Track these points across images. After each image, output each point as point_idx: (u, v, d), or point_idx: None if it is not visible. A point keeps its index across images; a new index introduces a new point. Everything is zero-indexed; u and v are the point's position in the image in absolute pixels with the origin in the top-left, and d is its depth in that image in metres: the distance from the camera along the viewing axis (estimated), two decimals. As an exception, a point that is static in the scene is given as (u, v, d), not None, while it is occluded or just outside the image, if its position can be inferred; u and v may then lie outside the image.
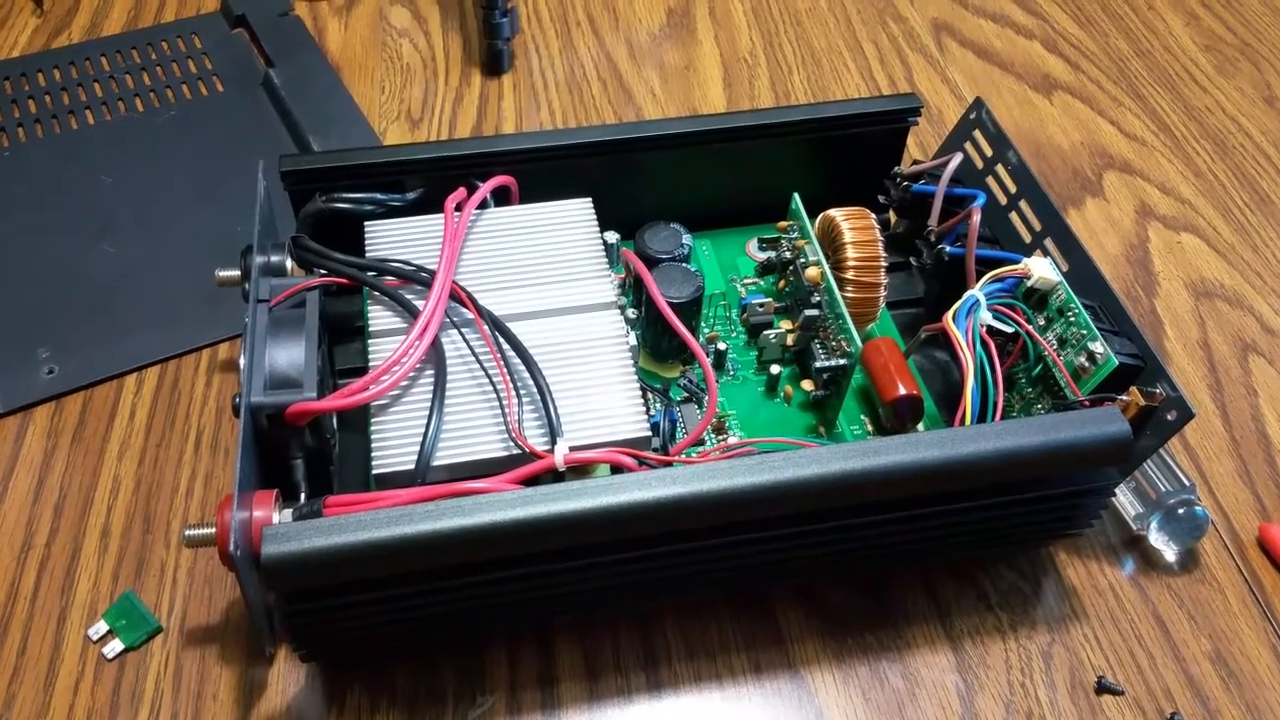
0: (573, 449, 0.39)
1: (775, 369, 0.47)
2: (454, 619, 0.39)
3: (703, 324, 0.50)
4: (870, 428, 0.47)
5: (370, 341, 0.42)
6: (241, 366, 0.39)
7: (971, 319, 0.42)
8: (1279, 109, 0.67)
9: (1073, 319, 0.42)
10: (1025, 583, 0.44)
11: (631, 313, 0.46)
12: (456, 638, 0.41)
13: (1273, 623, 0.43)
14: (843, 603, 0.43)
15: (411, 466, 0.38)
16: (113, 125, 0.63)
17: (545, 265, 0.46)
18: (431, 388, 0.40)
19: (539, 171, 0.49)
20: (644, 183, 0.51)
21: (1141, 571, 0.45)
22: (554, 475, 0.38)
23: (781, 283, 0.50)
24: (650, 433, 0.41)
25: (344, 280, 0.44)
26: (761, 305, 0.49)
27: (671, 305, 0.44)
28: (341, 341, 0.48)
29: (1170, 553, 0.45)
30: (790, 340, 0.48)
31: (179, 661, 0.41)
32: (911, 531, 0.39)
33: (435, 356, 0.41)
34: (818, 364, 0.45)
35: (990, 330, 0.43)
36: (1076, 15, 0.74)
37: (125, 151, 0.61)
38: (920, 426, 0.46)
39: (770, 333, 0.48)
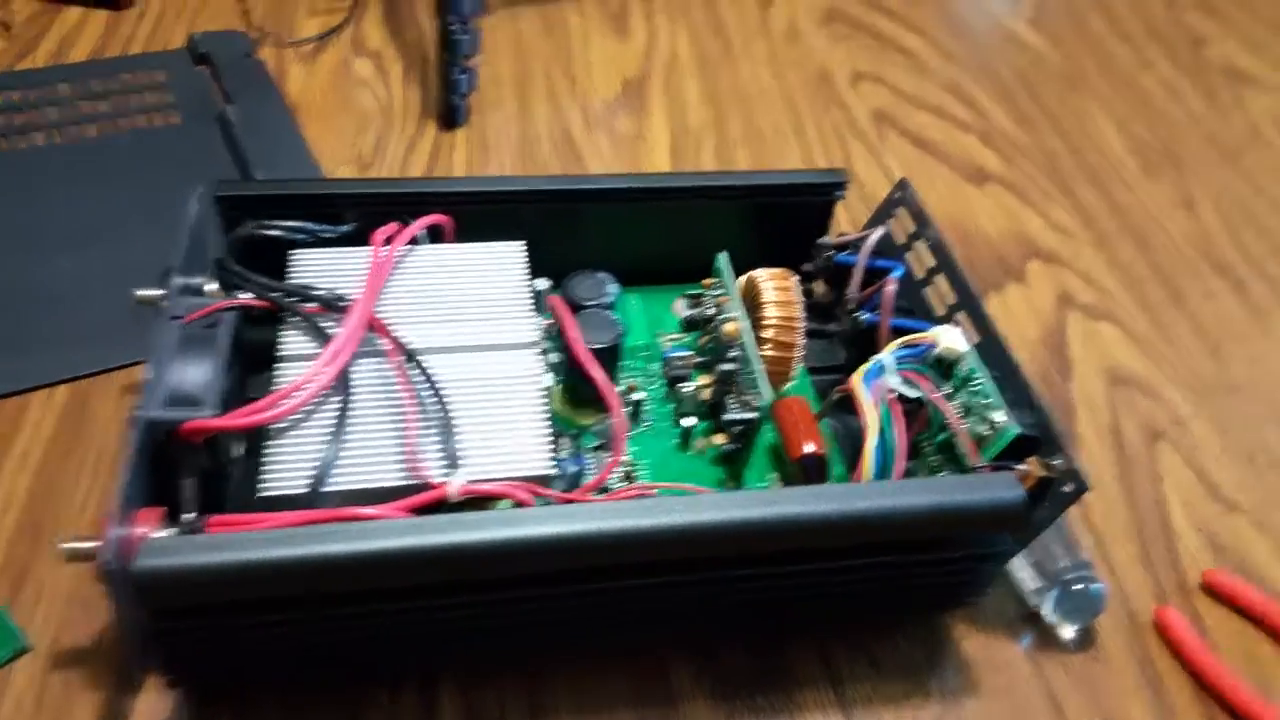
0: (471, 482, 0.38)
1: (687, 421, 0.47)
2: (332, 651, 0.38)
3: (622, 373, 0.50)
4: (779, 484, 0.47)
5: (279, 365, 0.42)
6: (146, 381, 0.39)
7: (879, 381, 0.43)
8: (1197, 214, 0.70)
9: (976, 388, 0.43)
10: (920, 652, 0.44)
11: (554, 357, 0.47)
12: (335, 675, 0.40)
13: (1164, 705, 0.43)
14: (735, 662, 0.42)
15: (302, 490, 0.38)
16: (64, 147, 0.64)
17: (470, 303, 0.46)
18: (336, 414, 0.40)
19: (477, 215, 0.49)
20: (581, 235, 0.52)
21: (1038, 647, 0.44)
22: (450, 507, 0.38)
23: (704, 338, 0.51)
24: (554, 472, 0.40)
25: (261, 303, 0.44)
26: (681, 360, 0.50)
27: (590, 350, 0.45)
28: (259, 371, 0.48)
29: (1067, 630, 0.45)
30: (706, 395, 0.48)
31: (43, 684, 0.39)
32: (804, 586, 0.39)
33: (344, 384, 0.41)
34: (727, 416, 0.45)
35: (901, 398, 0.43)
36: (1014, 113, 0.78)
37: (72, 172, 0.62)
38: (828, 488, 0.46)
39: (686, 385, 0.48)
